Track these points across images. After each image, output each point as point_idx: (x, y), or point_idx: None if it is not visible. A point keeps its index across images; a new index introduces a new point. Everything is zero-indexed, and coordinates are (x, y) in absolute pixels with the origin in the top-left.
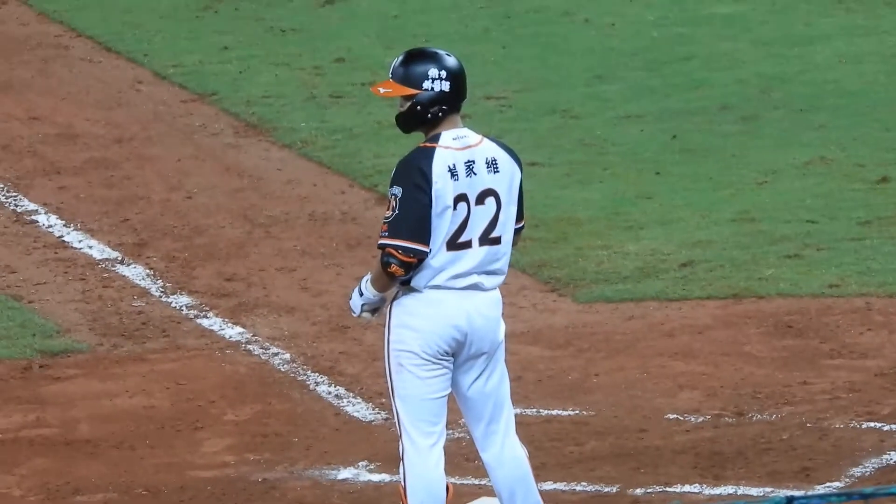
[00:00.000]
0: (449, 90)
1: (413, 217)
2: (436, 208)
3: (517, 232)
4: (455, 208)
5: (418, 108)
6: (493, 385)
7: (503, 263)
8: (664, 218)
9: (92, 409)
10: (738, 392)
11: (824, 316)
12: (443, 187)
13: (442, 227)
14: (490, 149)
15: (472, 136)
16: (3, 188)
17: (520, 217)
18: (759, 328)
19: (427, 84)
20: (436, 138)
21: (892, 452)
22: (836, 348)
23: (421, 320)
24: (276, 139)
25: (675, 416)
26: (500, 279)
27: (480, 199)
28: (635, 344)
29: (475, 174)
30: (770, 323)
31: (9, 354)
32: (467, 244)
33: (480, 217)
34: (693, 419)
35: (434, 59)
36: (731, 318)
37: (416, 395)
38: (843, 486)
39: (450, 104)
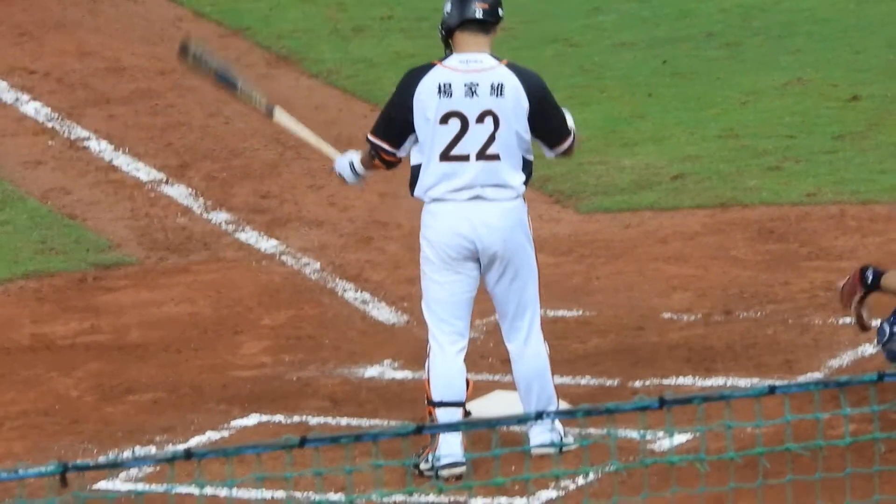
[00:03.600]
0: (451, 9)
1: (388, 120)
2: (418, 119)
3: (566, 151)
4: (445, 123)
5: (440, 25)
6: (516, 287)
7: (510, 178)
8: (656, 135)
9: (141, 316)
10: (726, 292)
11: (803, 222)
12: (425, 101)
13: (427, 138)
14: (502, 75)
15: (487, 61)
16: (58, 117)
17: (556, 139)
18: (744, 234)
19: (446, 6)
20: (445, 58)
21: (867, 345)
22: (813, 251)
23: (431, 231)
24: (305, 69)
25: (669, 314)
26: (507, 192)
27: (480, 118)
28: (632, 250)
29: (477, 95)
30: (754, 229)
31: (65, 268)
32: (463, 157)
33: (478, 134)
34: (685, 317)
35: None
36: (719, 225)
37: (436, 297)
38: (822, 376)
39: (452, 23)
